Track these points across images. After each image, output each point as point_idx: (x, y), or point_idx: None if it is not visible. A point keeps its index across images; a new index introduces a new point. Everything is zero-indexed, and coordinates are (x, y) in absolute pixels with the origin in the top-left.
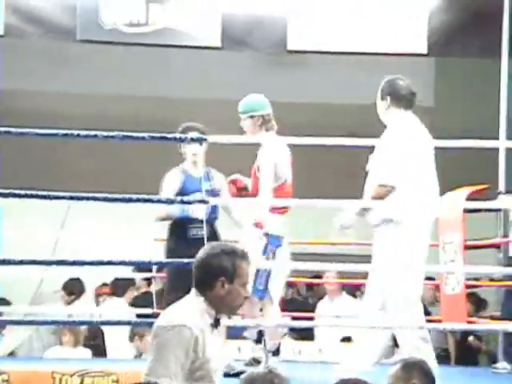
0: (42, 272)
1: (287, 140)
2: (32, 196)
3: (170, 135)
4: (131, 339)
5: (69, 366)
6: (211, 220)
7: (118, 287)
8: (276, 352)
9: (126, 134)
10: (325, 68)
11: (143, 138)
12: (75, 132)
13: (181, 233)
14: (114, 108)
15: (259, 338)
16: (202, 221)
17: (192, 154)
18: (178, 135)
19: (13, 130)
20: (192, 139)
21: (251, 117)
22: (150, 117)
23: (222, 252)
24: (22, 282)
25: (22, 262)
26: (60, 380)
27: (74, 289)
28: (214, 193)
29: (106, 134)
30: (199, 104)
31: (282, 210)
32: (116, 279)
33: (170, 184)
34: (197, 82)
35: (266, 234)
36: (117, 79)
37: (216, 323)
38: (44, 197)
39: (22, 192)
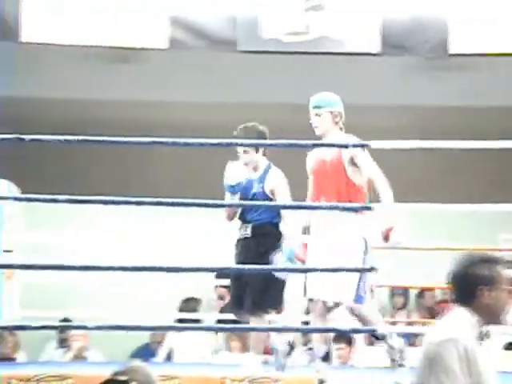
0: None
1: (452, 144)
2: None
3: (334, 142)
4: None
5: (238, 371)
6: (259, 220)
7: None
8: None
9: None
10: (488, 71)
11: (310, 145)
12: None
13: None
14: (267, 116)
15: None
16: (248, 221)
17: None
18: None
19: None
20: (358, 145)
21: (330, 112)
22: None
23: (476, 260)
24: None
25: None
26: None
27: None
28: (264, 195)
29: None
30: (358, 110)
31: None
32: None
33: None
34: (356, 88)
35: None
36: (274, 88)
37: (484, 335)
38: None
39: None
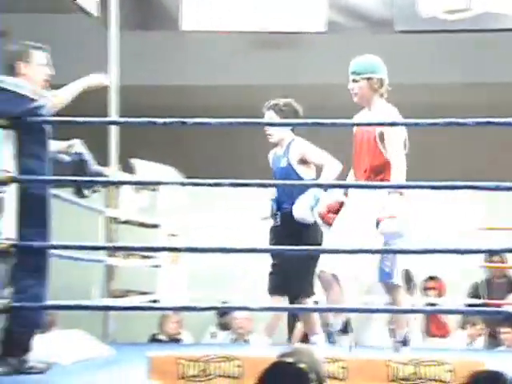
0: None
1: None
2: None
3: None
4: (463, 327)
5: (403, 354)
6: (289, 207)
7: None
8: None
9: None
10: None
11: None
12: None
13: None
14: (431, 97)
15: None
16: (278, 209)
17: (267, 135)
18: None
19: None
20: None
21: (368, 79)
22: (477, 103)
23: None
24: None
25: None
26: (394, 368)
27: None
28: (288, 169)
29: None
30: None
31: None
32: None
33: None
34: None
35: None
36: (434, 68)
37: None
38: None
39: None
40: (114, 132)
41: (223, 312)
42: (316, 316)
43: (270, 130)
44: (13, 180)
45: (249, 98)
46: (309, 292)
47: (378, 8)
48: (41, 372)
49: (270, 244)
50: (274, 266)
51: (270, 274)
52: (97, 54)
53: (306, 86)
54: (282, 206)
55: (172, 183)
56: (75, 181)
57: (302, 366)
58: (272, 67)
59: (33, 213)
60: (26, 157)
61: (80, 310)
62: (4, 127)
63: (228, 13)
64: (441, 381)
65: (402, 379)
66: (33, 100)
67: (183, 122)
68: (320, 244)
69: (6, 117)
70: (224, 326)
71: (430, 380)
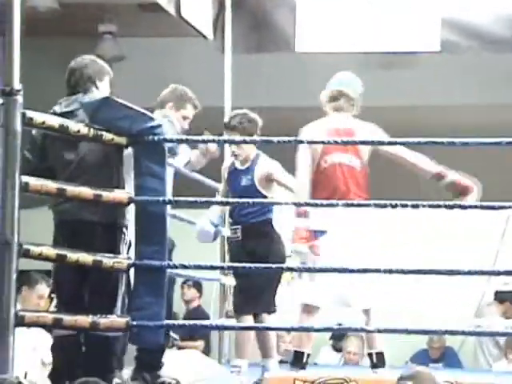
0: (484, 284)
1: None
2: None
3: None
4: None
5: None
6: (248, 221)
7: None
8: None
9: None
10: None
11: None
12: None
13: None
14: None
15: None
16: (237, 222)
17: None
18: None
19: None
20: None
21: None
22: None
23: None
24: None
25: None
26: None
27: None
28: (252, 188)
29: None
30: None
31: (323, 197)
32: None
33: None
34: None
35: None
36: None
37: None
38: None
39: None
40: (227, 151)
41: (340, 334)
42: (274, 338)
43: (238, 150)
44: (131, 200)
45: (364, 120)
46: (272, 308)
47: (495, 27)
48: None
49: (231, 258)
50: (239, 282)
51: (237, 291)
52: (211, 76)
53: (420, 106)
54: (241, 219)
55: (289, 204)
56: (193, 202)
57: None
58: (385, 88)
59: (151, 231)
60: (144, 175)
61: (197, 329)
62: (124, 145)
63: (341, 34)
64: None
65: None
66: (152, 119)
67: (299, 141)
68: (284, 257)
69: (126, 134)
70: (337, 348)
71: None
